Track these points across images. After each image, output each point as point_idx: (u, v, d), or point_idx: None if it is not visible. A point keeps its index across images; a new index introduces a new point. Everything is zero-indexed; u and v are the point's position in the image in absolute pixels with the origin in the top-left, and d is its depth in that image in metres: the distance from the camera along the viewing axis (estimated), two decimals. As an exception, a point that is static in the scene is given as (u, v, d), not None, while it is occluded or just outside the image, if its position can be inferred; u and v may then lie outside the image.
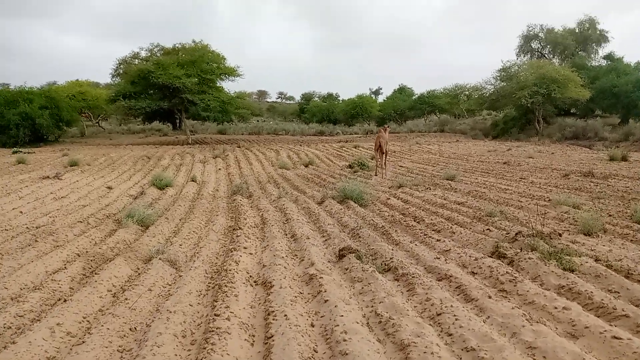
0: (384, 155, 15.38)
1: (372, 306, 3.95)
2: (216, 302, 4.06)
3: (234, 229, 6.86)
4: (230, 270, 4.83)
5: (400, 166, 17.29)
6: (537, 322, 3.49)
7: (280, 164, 17.64)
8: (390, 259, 5.19)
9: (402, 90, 65.37)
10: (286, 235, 6.82)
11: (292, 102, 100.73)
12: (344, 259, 5.22)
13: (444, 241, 6.07)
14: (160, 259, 5.23)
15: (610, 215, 7.47)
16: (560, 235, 5.87)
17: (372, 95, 79.24)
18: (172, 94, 31.97)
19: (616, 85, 31.02)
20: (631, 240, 5.94)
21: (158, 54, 34.72)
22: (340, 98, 72.36)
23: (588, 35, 44.16)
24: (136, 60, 36.92)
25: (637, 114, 30.82)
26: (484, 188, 11.12)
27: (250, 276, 4.88)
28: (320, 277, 4.51)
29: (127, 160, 19.68)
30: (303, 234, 6.54)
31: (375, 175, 14.70)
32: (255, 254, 5.75)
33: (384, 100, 66.38)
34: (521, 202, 9.05)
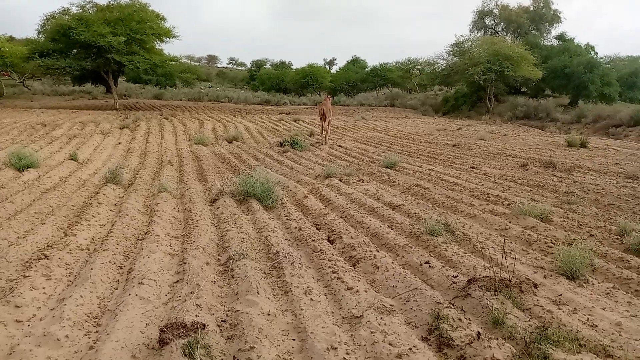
0: (325, 123, 15.34)
1: None
2: None
3: (30, 266, 4.28)
4: None
5: (339, 146, 15.00)
6: None
7: (198, 139, 14.88)
8: (251, 348, 2.88)
9: (355, 62, 62.73)
10: (120, 271, 4.34)
11: (243, 68, 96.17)
12: (165, 349, 2.86)
13: (358, 289, 3.84)
14: None
15: (591, 235, 5.50)
16: (535, 286, 3.76)
17: (326, 66, 76.37)
18: (97, 53, 28.19)
19: (568, 66, 30.52)
20: (636, 291, 3.94)
21: (91, 11, 30.32)
22: (293, 67, 68.96)
23: (542, 14, 43.03)
24: (66, 16, 32.35)
25: (586, 95, 30.45)
26: (428, 181, 9.03)
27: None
28: None
29: (13, 128, 16.24)
30: (140, 273, 4.10)
31: (321, 145, 14.93)
32: (13, 337, 3.23)
33: (337, 71, 63.69)
34: (473, 206, 7.00)
